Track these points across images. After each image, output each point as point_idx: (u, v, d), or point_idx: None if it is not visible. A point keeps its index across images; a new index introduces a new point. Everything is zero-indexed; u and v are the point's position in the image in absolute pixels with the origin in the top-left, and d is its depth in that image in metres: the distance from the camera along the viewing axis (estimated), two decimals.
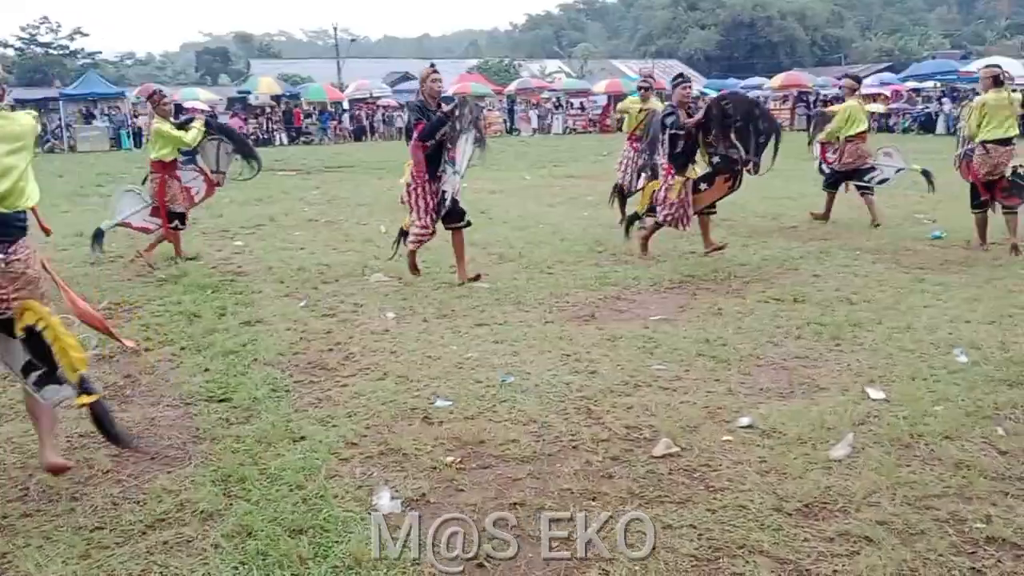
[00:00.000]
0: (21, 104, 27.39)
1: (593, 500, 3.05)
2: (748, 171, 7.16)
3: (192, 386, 4.29)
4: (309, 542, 2.76)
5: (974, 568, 2.59)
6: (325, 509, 2.97)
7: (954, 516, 2.88)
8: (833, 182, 9.22)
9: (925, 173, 9.06)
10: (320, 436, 3.60)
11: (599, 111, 35.37)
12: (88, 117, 29.51)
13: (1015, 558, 2.64)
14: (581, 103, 36.74)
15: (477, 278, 6.51)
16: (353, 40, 53.63)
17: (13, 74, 50.54)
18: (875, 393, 4.00)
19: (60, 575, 2.64)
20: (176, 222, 7.66)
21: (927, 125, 27.01)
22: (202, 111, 25.82)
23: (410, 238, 6.51)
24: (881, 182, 9.12)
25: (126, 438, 3.29)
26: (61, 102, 29.72)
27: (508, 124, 33.64)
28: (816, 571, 2.59)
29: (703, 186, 7.27)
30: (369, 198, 12.69)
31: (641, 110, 8.81)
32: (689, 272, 6.81)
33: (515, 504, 3.04)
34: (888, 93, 32.15)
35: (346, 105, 33.78)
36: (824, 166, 9.40)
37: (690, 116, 7.10)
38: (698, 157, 7.32)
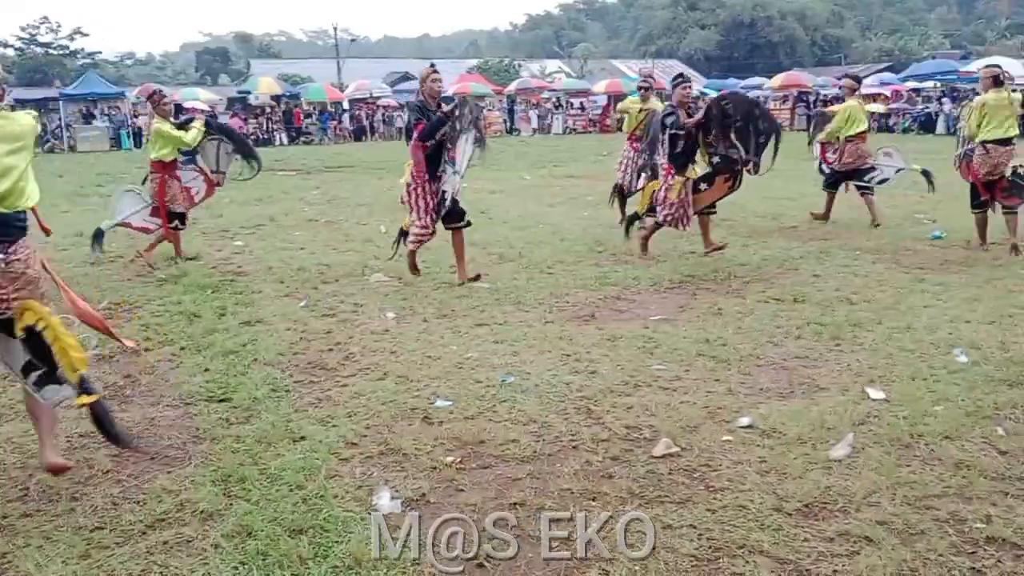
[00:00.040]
0: (21, 104, 27.41)
1: (593, 500, 3.05)
2: (748, 171, 7.16)
3: (192, 386, 4.30)
4: (309, 542, 2.76)
5: (974, 568, 2.59)
6: (325, 509, 2.97)
7: (954, 516, 2.88)
8: (833, 182, 9.22)
9: (925, 173, 9.08)
10: (320, 436, 3.60)
11: (599, 111, 35.37)
12: (88, 117, 29.51)
13: (1015, 558, 2.65)
14: (581, 103, 36.74)
15: (477, 278, 6.51)
16: (353, 40, 53.66)
17: (13, 74, 50.57)
18: (875, 393, 4.00)
19: (60, 575, 2.64)
20: (176, 222, 7.66)
21: (927, 125, 27.02)
22: (202, 111, 25.84)
23: (410, 238, 6.49)
24: (881, 182, 9.13)
25: (126, 438, 3.29)
26: (61, 102, 29.73)
27: (508, 124, 33.64)
28: (816, 571, 2.59)
29: (703, 186, 7.26)
30: (369, 198, 12.69)
31: (641, 110, 8.81)
32: (689, 272, 6.81)
33: (515, 504, 3.04)
34: (888, 93, 32.16)
35: (346, 105, 33.79)
36: (824, 166, 9.41)
37: (690, 116, 7.09)
38: (698, 157, 7.31)
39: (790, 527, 2.83)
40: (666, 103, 7.97)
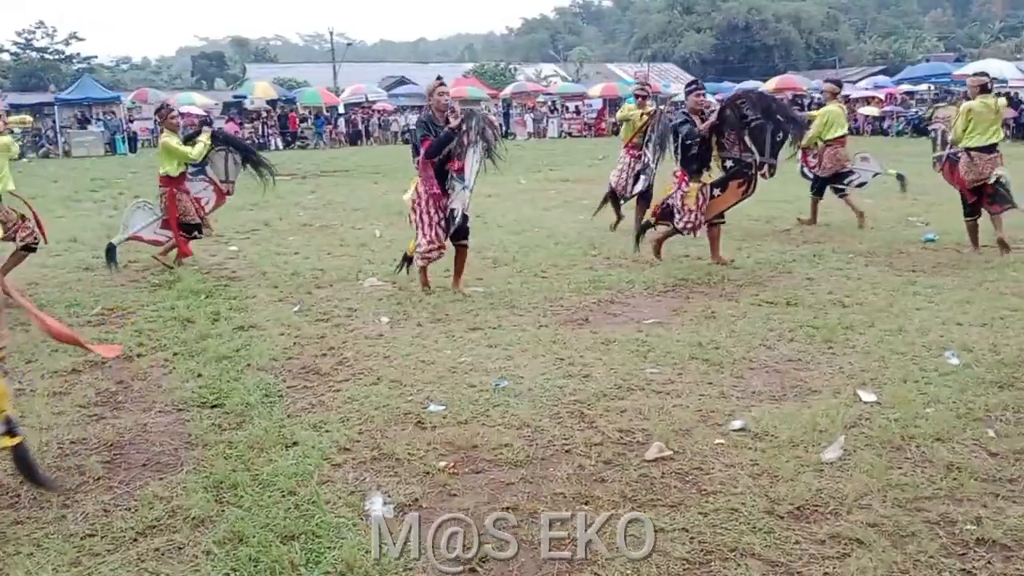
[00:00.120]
0: (16, 108, 27.38)
1: (586, 504, 3.06)
2: (763, 175, 7.13)
3: (185, 392, 4.29)
4: (301, 548, 2.76)
5: (965, 570, 2.60)
6: (317, 515, 2.97)
7: (945, 518, 2.89)
8: (820, 188, 9.35)
9: (899, 177, 9.36)
10: (313, 441, 3.60)
11: (595, 115, 35.43)
12: (83, 122, 29.44)
13: (1005, 560, 2.65)
14: (576, 107, 36.82)
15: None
16: (349, 44, 53.70)
17: (9, 79, 50.56)
18: (867, 396, 4.01)
19: None
20: (194, 232, 7.73)
21: (921, 128, 27.11)
22: (197, 116, 25.82)
23: (419, 258, 6.29)
24: (860, 185, 9.34)
25: (48, 482, 3.19)
26: (56, 107, 29.66)
27: (504, 128, 33.66)
28: (807, 573, 2.60)
29: (716, 192, 7.13)
30: (364, 202, 12.69)
31: (643, 115, 8.70)
32: (683, 276, 6.82)
33: (508, 508, 3.04)
34: (882, 96, 32.30)
35: (342, 109, 33.78)
36: (806, 170, 9.53)
37: (703, 121, 6.96)
38: (712, 163, 7.16)
39: (782, 530, 2.84)
40: (676, 109, 7.96)
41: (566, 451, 3.51)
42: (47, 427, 3.84)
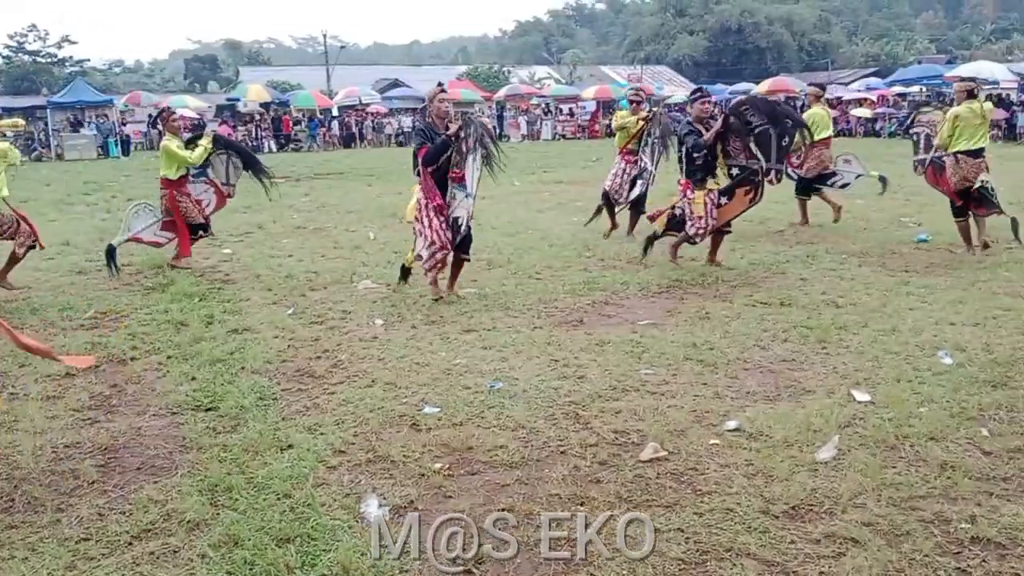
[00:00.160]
0: (8, 112, 27.28)
1: (581, 505, 3.06)
2: (770, 181, 7.10)
3: (179, 395, 4.28)
4: (296, 551, 2.75)
5: (959, 568, 2.61)
6: (313, 518, 2.96)
7: (939, 517, 2.90)
8: (803, 189, 9.41)
9: (882, 179, 9.42)
10: (308, 444, 3.59)
11: (588, 117, 35.50)
12: (76, 125, 29.37)
13: (1000, 558, 2.67)
14: (570, 109, 36.89)
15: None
16: (343, 47, 53.60)
17: (1, 82, 50.35)
18: (861, 395, 4.03)
19: None
20: (199, 232, 7.77)
21: (910, 128, 27.18)
22: (191, 119, 25.76)
23: (426, 264, 6.08)
24: (842, 187, 9.41)
25: None
26: (49, 110, 29.62)
27: (498, 130, 33.69)
28: (802, 573, 2.60)
29: (724, 200, 7.05)
30: (358, 205, 12.69)
31: (638, 121, 8.63)
32: (677, 277, 6.83)
33: (504, 510, 3.03)
34: (874, 98, 32.44)
35: (335, 112, 33.76)
36: (790, 171, 9.57)
37: (708, 130, 6.90)
38: (717, 171, 7.09)
39: (777, 529, 2.84)
40: (660, 111, 7.96)
41: (561, 452, 3.51)
42: (41, 431, 3.83)
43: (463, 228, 6.07)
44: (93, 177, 18.73)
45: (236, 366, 4.71)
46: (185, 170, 7.63)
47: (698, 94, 7.32)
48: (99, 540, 2.88)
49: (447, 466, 3.39)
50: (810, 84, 10.29)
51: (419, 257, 6.13)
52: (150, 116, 32.63)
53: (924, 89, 31.48)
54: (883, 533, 2.80)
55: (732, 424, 3.73)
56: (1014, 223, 7.63)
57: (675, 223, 7.20)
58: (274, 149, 29.44)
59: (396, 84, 41.52)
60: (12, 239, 6.68)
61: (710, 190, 6.97)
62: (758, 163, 6.90)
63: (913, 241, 8.20)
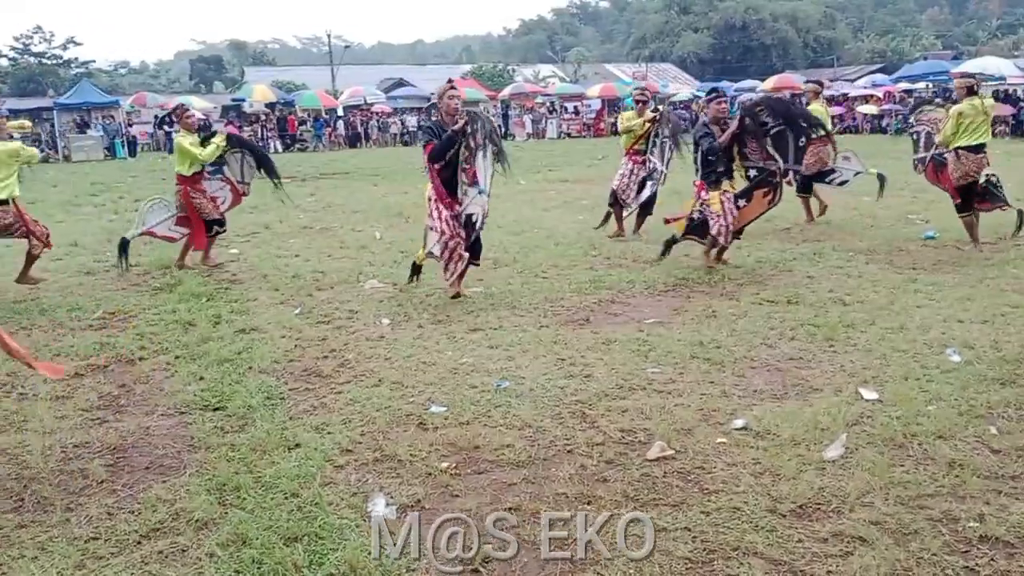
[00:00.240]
0: (15, 114, 27.37)
1: (588, 504, 3.06)
2: (788, 182, 7.02)
3: (187, 395, 4.29)
4: (304, 550, 2.76)
5: (968, 567, 2.60)
6: (320, 516, 2.97)
7: (947, 515, 2.89)
8: (803, 187, 9.38)
9: (880, 177, 9.35)
10: (315, 443, 3.60)
11: (593, 115, 35.46)
12: (82, 126, 29.49)
13: (1008, 556, 2.66)
14: (575, 107, 36.87)
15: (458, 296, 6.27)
16: (347, 47, 53.59)
17: (7, 84, 50.57)
18: (868, 393, 4.02)
19: None
20: (215, 227, 7.80)
21: (910, 127, 27.08)
22: (197, 120, 25.76)
23: (442, 260, 5.95)
24: (841, 184, 9.35)
25: None
26: (55, 111, 29.71)
27: (503, 129, 33.70)
28: (810, 572, 2.60)
29: (741, 203, 6.97)
30: (364, 204, 12.70)
31: (644, 122, 8.53)
32: (683, 275, 6.82)
33: (510, 509, 3.04)
34: (880, 95, 32.31)
35: (340, 112, 33.82)
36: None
37: (723, 131, 6.82)
38: (734, 172, 7.00)
39: (784, 528, 2.84)
40: (667, 109, 7.90)
41: (568, 451, 3.51)
42: (50, 431, 3.85)
43: (478, 225, 6.02)
44: (100, 178, 18.81)
45: (244, 366, 4.73)
46: (200, 167, 7.67)
47: (714, 95, 7.16)
48: (108, 539, 2.89)
49: (454, 465, 3.40)
50: (807, 81, 10.21)
51: (431, 254, 6.05)
52: (156, 117, 32.80)
53: (930, 85, 31.31)
54: (891, 532, 2.79)
55: (739, 423, 3.72)
56: (1020, 215, 7.59)
57: (695, 227, 7.01)
58: (280, 149, 29.47)
59: (401, 83, 41.54)
60: (26, 237, 6.72)
61: (725, 191, 6.85)
62: (776, 164, 6.84)
63: (920, 238, 8.17)
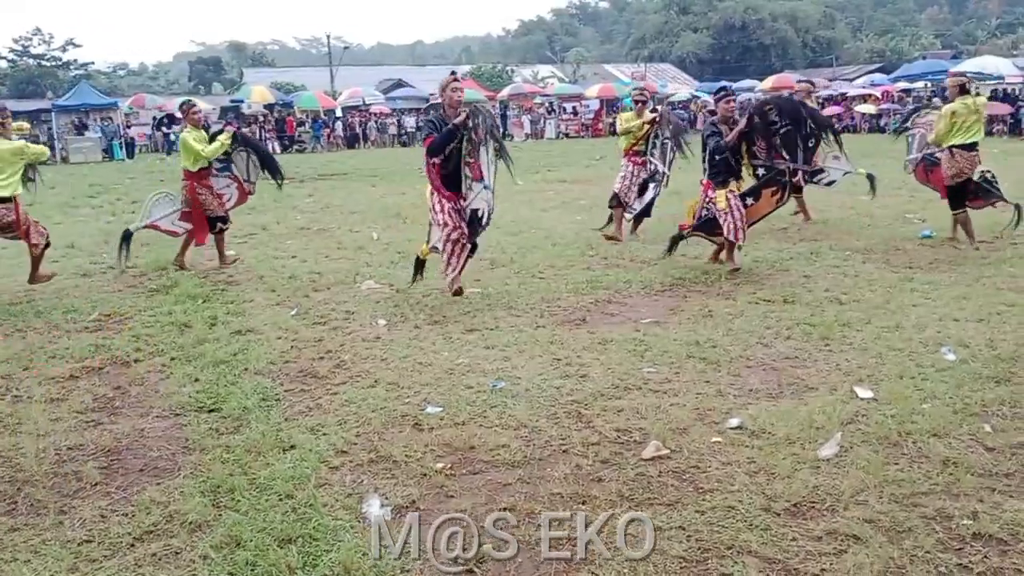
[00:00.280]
0: (13, 116, 27.34)
1: (583, 504, 3.06)
2: (797, 182, 6.95)
3: (182, 396, 4.29)
4: (298, 551, 2.76)
5: (961, 564, 2.60)
6: (315, 518, 2.97)
7: (941, 513, 2.89)
8: (794, 187, 9.35)
9: (869, 177, 9.35)
10: (310, 445, 3.60)
11: (592, 115, 35.46)
12: (81, 128, 29.46)
13: (1001, 554, 2.66)
14: (574, 108, 36.87)
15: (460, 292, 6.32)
16: (346, 48, 53.56)
17: (6, 86, 50.56)
18: (863, 392, 4.02)
19: None
20: (219, 224, 7.82)
21: (906, 127, 27.08)
22: None
23: (444, 253, 5.86)
24: (829, 184, 9.33)
25: None
26: (53, 113, 29.68)
27: (501, 129, 33.64)
28: (804, 570, 2.60)
29: (749, 201, 6.90)
30: (362, 205, 12.70)
31: (643, 124, 8.43)
32: (680, 275, 6.82)
33: (506, 509, 3.04)
34: (879, 94, 32.33)
35: (339, 113, 33.82)
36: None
37: (732, 129, 6.74)
38: (743, 171, 6.95)
39: (778, 527, 2.84)
40: (667, 110, 7.85)
41: (563, 451, 3.51)
42: (44, 433, 3.84)
43: (484, 221, 5.96)
44: (98, 180, 18.80)
45: (239, 367, 4.72)
46: (206, 163, 7.68)
47: (722, 93, 7.00)
48: (101, 542, 2.89)
49: (449, 466, 3.39)
50: (799, 81, 10.20)
51: (435, 249, 5.99)
52: (155, 119, 32.80)
53: (929, 85, 31.33)
54: (885, 530, 2.79)
55: (734, 422, 3.72)
56: (1018, 210, 7.58)
57: (703, 224, 6.94)
58: (278, 150, 29.40)
59: (400, 84, 41.54)
60: (25, 238, 6.72)
61: (731, 190, 6.77)
62: (785, 163, 6.80)
63: (917, 237, 8.17)
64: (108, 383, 4.59)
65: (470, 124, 5.72)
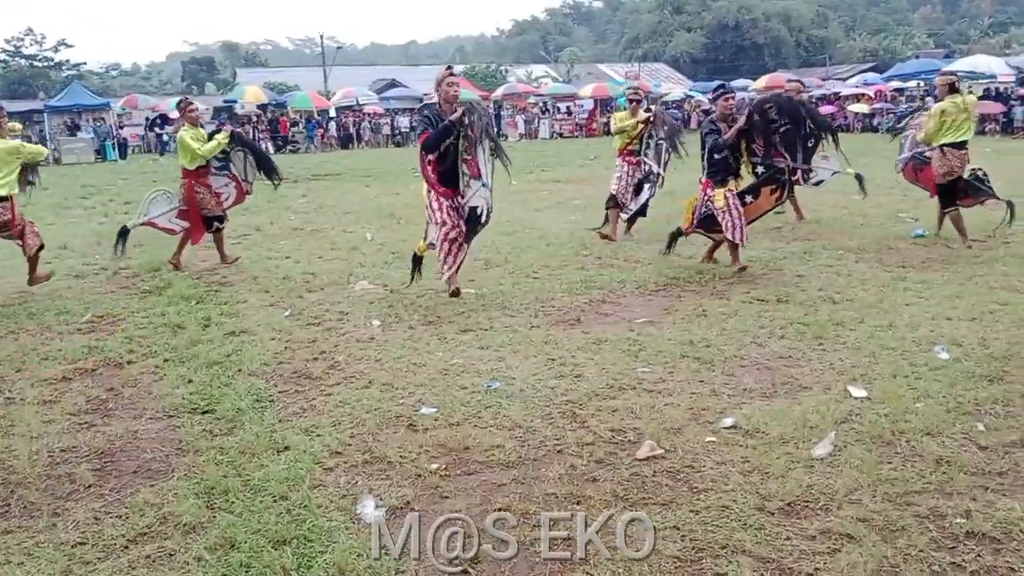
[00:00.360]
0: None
1: (578, 504, 3.06)
2: (796, 181, 6.94)
3: (175, 398, 4.28)
4: (293, 553, 2.75)
5: (954, 563, 2.61)
6: (309, 519, 2.97)
7: (934, 512, 2.90)
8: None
9: (858, 177, 9.35)
10: (304, 446, 3.59)
11: (586, 115, 35.49)
12: (73, 129, 29.35)
13: (994, 552, 2.67)
14: (568, 107, 36.87)
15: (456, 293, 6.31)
16: (339, 48, 53.50)
17: None
18: (857, 391, 4.03)
19: None
20: (215, 223, 7.82)
21: (901, 126, 27.18)
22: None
23: (440, 251, 5.82)
24: (817, 183, 9.33)
25: None
26: (46, 114, 29.58)
27: (495, 129, 33.63)
28: (798, 569, 2.61)
29: (748, 198, 6.88)
30: (356, 206, 12.68)
31: (637, 123, 8.42)
32: (674, 275, 6.83)
33: (500, 509, 3.04)
34: (872, 93, 32.44)
35: (332, 113, 33.76)
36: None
37: (731, 127, 6.69)
38: (742, 169, 6.91)
39: (772, 526, 2.85)
40: (660, 109, 7.84)
41: (558, 451, 3.51)
42: (37, 435, 3.83)
43: (483, 219, 5.91)
44: (90, 181, 18.73)
45: (233, 368, 4.71)
46: (203, 161, 7.66)
47: (721, 91, 6.95)
48: (95, 544, 2.88)
49: (444, 466, 3.39)
50: (789, 80, 10.20)
51: (432, 246, 5.95)
52: (147, 119, 32.69)
53: (922, 84, 31.45)
54: (878, 529, 2.80)
55: (728, 421, 3.73)
56: (1010, 207, 7.62)
57: (702, 221, 6.91)
58: (272, 151, 29.35)
59: (393, 84, 41.50)
60: (20, 238, 6.69)
61: (730, 189, 6.72)
62: (784, 161, 6.77)
63: (910, 236, 8.20)
64: (101, 385, 4.57)
65: (466, 121, 5.67)
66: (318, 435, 3.72)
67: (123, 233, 7.68)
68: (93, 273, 7.79)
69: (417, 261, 6.20)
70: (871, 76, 37.27)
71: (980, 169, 7.66)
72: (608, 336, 5.12)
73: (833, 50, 60.96)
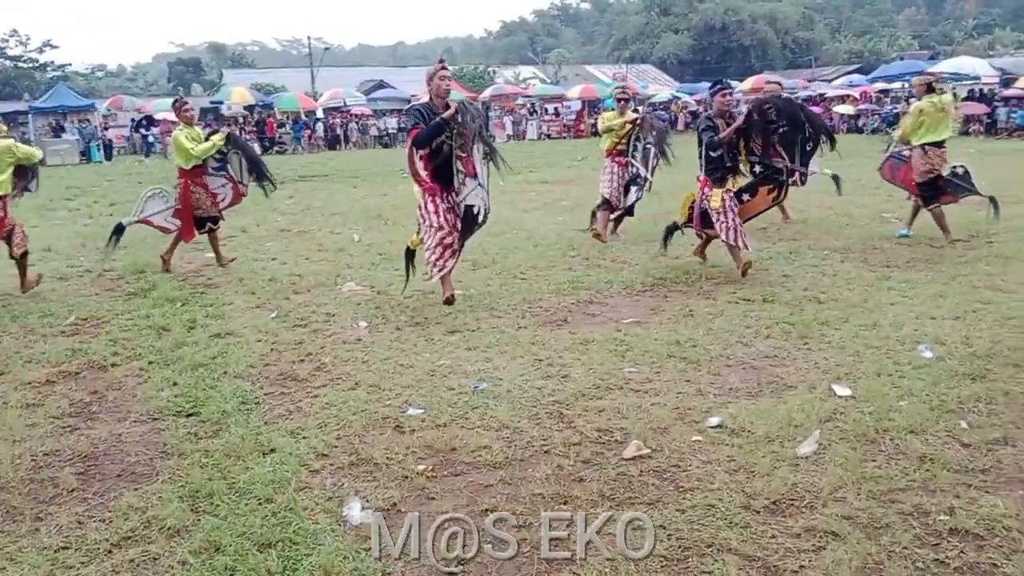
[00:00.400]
0: None
1: (564, 504, 3.06)
2: (794, 183, 6.98)
3: (160, 401, 4.25)
4: (278, 556, 2.74)
5: (938, 560, 2.63)
6: (295, 522, 2.95)
7: (918, 509, 2.92)
8: None
9: (835, 178, 9.46)
10: (290, 448, 3.58)
11: (573, 116, 35.54)
12: (58, 130, 29.11)
13: (978, 549, 2.69)
14: (555, 109, 36.92)
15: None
16: (327, 49, 53.32)
17: None
18: (841, 390, 4.06)
19: None
20: (208, 224, 7.79)
21: (895, 125, 27.43)
22: (173, 122, 25.52)
23: (435, 263, 5.74)
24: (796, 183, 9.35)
25: None
26: (30, 115, 29.35)
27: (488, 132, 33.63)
28: (783, 567, 2.62)
29: (745, 197, 6.85)
30: (343, 207, 12.64)
31: (625, 123, 8.41)
32: (661, 275, 6.85)
33: (487, 510, 3.03)
34: (857, 95, 32.68)
35: (320, 114, 33.65)
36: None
37: (729, 125, 6.60)
38: (740, 167, 6.88)
39: (758, 524, 2.86)
40: (647, 111, 7.82)
41: (545, 452, 3.52)
42: (20, 439, 3.79)
43: (480, 219, 5.85)
44: (75, 182, 18.59)
45: (218, 371, 4.68)
46: (199, 161, 7.61)
47: (718, 87, 6.86)
48: (78, 548, 2.85)
49: (431, 468, 3.38)
50: (768, 82, 10.23)
51: (428, 248, 5.82)
52: (133, 120, 32.46)
53: (906, 85, 31.69)
54: (863, 526, 2.82)
55: (714, 420, 3.74)
56: (993, 202, 7.70)
57: (700, 217, 6.84)
58: (259, 152, 29.27)
59: (381, 85, 41.41)
60: (8, 239, 6.63)
61: (728, 189, 6.66)
62: (783, 162, 6.77)
63: (894, 236, 8.26)
64: (85, 388, 4.53)
65: (459, 120, 5.59)
66: (304, 437, 3.71)
67: (118, 230, 7.65)
68: (77, 275, 7.73)
69: (410, 254, 6.09)
70: (856, 78, 37.58)
71: (960, 166, 7.76)
72: (595, 336, 5.12)
73: (819, 52, 61.39)
